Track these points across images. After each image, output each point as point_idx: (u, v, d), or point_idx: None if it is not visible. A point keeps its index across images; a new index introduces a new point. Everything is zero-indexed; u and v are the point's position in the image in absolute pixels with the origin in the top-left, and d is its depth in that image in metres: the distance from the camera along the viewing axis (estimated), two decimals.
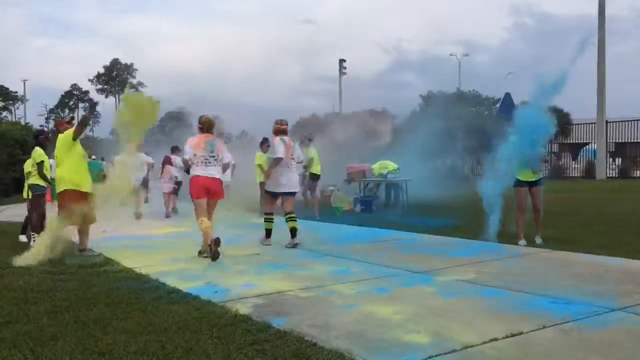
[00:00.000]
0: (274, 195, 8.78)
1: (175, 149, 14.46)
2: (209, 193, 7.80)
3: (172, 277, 6.26)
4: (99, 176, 8.29)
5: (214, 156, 7.82)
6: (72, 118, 9.31)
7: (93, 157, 16.17)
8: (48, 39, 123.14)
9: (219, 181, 7.90)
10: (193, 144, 7.85)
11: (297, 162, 8.98)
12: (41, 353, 3.81)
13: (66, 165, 7.76)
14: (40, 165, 8.96)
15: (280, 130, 8.77)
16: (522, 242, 8.06)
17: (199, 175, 7.72)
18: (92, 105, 77.20)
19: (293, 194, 8.84)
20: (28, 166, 9.40)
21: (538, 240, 8.10)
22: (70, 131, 7.85)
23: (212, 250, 7.26)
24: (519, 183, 8.21)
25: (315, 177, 13.44)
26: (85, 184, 7.83)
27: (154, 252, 8.25)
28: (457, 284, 5.78)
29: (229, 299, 5.25)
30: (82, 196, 7.76)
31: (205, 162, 7.76)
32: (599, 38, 27.01)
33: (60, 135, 7.97)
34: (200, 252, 7.74)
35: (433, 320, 4.51)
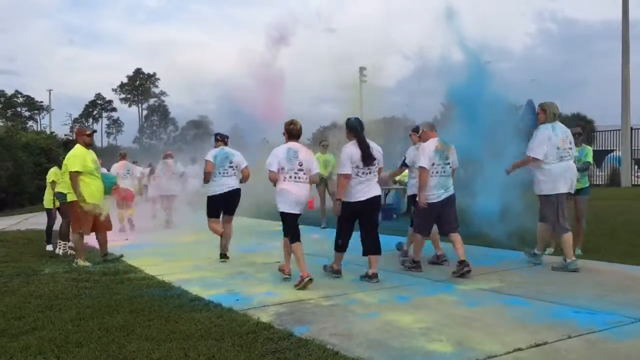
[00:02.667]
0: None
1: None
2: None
3: (194, 284, 6.30)
4: (110, 188, 8.38)
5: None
6: (94, 131, 9.32)
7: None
8: (73, 49, 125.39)
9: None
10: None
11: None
12: (66, 359, 3.86)
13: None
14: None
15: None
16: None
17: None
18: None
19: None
20: (52, 175, 9.50)
21: (578, 251, 7.80)
22: (75, 154, 7.92)
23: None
24: None
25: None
26: (98, 197, 7.95)
27: (177, 259, 8.31)
28: (480, 293, 5.73)
29: (250, 307, 5.27)
30: (93, 207, 7.91)
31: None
32: (623, 44, 26.69)
33: (76, 147, 8.06)
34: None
35: (456, 329, 4.47)
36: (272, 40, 13.21)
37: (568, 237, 6.94)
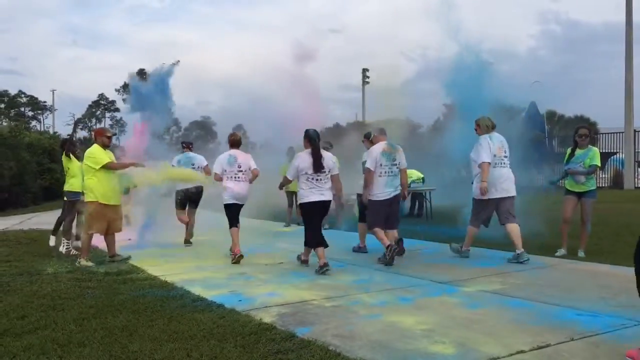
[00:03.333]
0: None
1: None
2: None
3: (196, 285, 6.31)
4: (127, 188, 8.40)
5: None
6: (115, 134, 9.40)
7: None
8: (77, 49, 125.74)
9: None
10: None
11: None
12: (69, 359, 3.87)
13: (93, 177, 7.90)
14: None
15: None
16: (560, 251, 7.90)
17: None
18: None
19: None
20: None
21: (580, 253, 7.83)
22: (98, 150, 8.00)
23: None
24: (566, 192, 8.07)
25: None
26: (113, 196, 7.98)
27: (179, 260, 8.33)
28: (482, 295, 5.72)
29: (253, 307, 5.27)
30: (109, 208, 7.94)
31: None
32: (626, 46, 26.66)
33: (93, 146, 8.09)
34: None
35: (458, 331, 4.47)
36: (298, 56, 13.74)
37: (512, 227, 7.55)
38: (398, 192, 7.89)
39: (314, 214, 7.41)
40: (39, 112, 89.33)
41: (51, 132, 48.65)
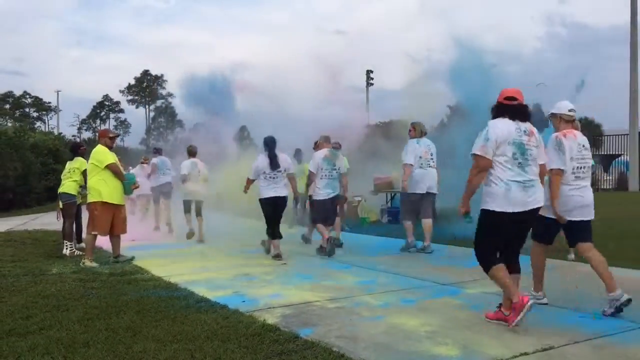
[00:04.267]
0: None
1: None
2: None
3: (200, 286, 6.32)
4: (129, 188, 8.43)
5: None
6: (118, 135, 9.43)
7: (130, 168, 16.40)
8: (81, 50, 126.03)
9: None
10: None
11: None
12: (73, 359, 3.88)
13: (98, 176, 7.93)
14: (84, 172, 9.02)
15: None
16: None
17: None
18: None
19: None
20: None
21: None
22: (103, 150, 8.09)
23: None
24: None
25: None
26: (116, 196, 8.01)
27: (183, 261, 8.34)
28: (486, 297, 5.71)
29: (256, 308, 5.28)
30: (112, 208, 7.97)
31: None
32: (631, 48, 26.60)
33: (97, 147, 8.14)
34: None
35: (462, 333, 4.47)
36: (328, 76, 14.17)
37: (426, 222, 8.89)
38: (336, 193, 9.09)
39: (271, 208, 8.43)
40: (44, 112, 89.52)
41: (56, 132, 48.75)
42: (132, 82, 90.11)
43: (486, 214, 4.63)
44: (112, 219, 8.05)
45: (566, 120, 5.39)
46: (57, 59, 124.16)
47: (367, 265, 7.72)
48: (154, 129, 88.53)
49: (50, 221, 13.64)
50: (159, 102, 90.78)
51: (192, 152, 11.17)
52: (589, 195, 5.33)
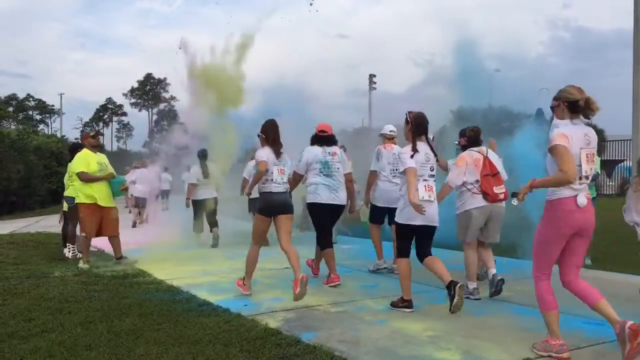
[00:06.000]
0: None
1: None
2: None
3: (203, 289, 6.33)
4: (118, 189, 8.47)
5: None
6: (97, 133, 9.39)
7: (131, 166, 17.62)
8: (85, 53, 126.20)
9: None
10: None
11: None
12: None
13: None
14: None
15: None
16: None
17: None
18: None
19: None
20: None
21: (587, 261, 7.82)
22: (81, 155, 8.13)
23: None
24: None
25: None
26: (102, 198, 8.04)
27: (186, 264, 8.34)
28: (489, 302, 5.71)
29: (258, 312, 5.28)
30: (99, 209, 8.00)
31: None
32: (634, 53, 26.56)
33: (83, 150, 8.20)
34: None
35: (464, 338, 4.47)
36: None
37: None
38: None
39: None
40: (47, 115, 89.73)
41: (59, 135, 48.83)
42: (136, 85, 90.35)
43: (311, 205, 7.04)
44: (101, 221, 8.08)
45: (388, 138, 7.67)
46: (60, 61, 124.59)
47: (369, 270, 7.71)
48: (156, 132, 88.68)
49: (52, 224, 13.65)
50: (162, 105, 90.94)
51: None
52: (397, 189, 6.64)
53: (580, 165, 4.13)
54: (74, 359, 3.95)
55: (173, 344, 4.24)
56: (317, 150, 7.00)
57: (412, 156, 5.39)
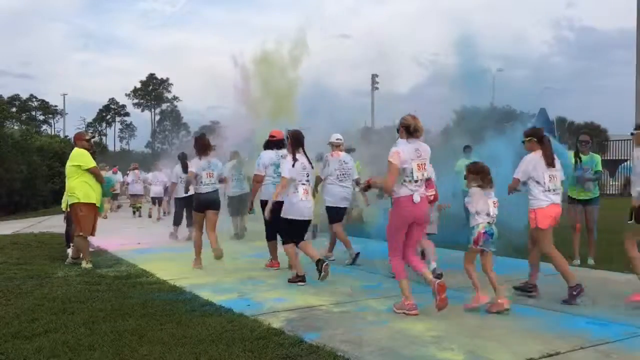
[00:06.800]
0: None
1: None
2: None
3: (205, 289, 6.33)
4: (108, 190, 8.52)
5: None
6: (93, 137, 9.38)
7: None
8: (88, 53, 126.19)
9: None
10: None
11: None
12: None
13: (81, 178, 7.99)
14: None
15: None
16: (576, 261, 7.82)
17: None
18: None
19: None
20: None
21: (590, 261, 7.83)
22: (85, 152, 8.11)
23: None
24: (570, 200, 8.01)
25: None
26: (97, 198, 8.16)
27: (188, 264, 8.33)
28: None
29: (261, 312, 5.28)
30: (94, 209, 8.04)
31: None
32: (637, 51, 26.51)
33: (75, 150, 8.17)
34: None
35: (467, 338, 4.46)
36: None
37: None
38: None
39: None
40: (50, 116, 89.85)
41: (62, 135, 48.94)
42: (138, 85, 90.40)
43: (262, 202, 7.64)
44: (94, 219, 8.13)
45: (336, 145, 8.46)
46: (63, 62, 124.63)
47: (371, 270, 7.71)
48: (159, 132, 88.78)
49: (55, 224, 13.68)
50: (164, 106, 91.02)
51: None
52: (349, 190, 8.55)
53: (412, 173, 5.20)
54: (77, 359, 3.95)
55: (176, 344, 4.24)
56: (271, 153, 7.94)
57: (293, 165, 6.67)
